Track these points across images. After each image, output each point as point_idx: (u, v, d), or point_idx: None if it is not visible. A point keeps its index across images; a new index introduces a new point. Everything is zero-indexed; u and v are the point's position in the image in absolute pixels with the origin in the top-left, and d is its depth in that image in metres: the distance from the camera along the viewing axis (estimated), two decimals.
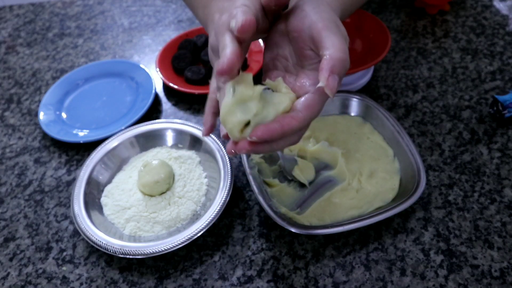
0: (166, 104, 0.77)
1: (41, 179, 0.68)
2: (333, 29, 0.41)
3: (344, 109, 0.67)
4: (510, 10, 0.86)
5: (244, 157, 0.59)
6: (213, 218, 0.55)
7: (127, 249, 0.54)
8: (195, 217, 0.58)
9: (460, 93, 0.71)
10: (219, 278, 0.54)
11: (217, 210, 0.56)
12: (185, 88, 0.76)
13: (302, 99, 0.41)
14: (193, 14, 0.59)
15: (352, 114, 0.67)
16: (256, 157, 0.61)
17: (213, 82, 0.47)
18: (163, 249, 0.53)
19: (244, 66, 0.77)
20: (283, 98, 0.40)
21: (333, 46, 0.39)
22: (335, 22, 0.42)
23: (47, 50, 0.93)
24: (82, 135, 0.72)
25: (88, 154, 0.67)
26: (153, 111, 0.76)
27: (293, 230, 0.52)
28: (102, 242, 0.55)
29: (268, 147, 0.40)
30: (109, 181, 0.64)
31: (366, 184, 0.58)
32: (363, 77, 0.73)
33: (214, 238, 0.58)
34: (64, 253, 0.58)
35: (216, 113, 0.47)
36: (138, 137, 0.67)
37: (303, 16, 0.43)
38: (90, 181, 0.62)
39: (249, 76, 0.39)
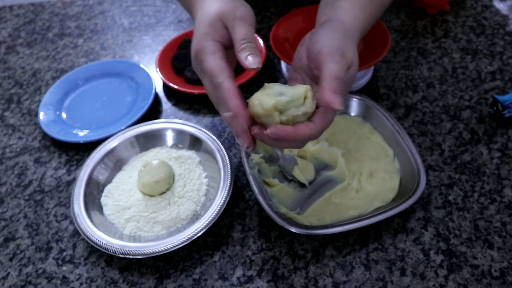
0: (166, 104, 0.77)
1: (41, 179, 0.68)
2: (336, 58, 0.45)
3: (344, 109, 0.67)
4: (510, 10, 0.86)
5: (244, 157, 0.59)
6: (213, 218, 0.55)
7: (127, 249, 0.54)
8: (195, 217, 0.58)
9: (460, 93, 0.71)
10: (219, 278, 0.54)
11: (217, 210, 0.56)
12: (185, 88, 0.76)
13: (318, 112, 0.45)
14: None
15: (352, 114, 0.67)
16: (256, 157, 0.61)
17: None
18: (163, 249, 0.53)
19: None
20: (299, 88, 0.46)
21: (330, 73, 0.44)
22: (340, 51, 0.46)
23: (47, 50, 0.93)
24: (82, 135, 0.72)
25: (88, 154, 0.67)
26: (153, 111, 0.76)
27: (293, 230, 0.52)
28: (102, 242, 0.55)
29: (277, 143, 0.46)
30: (109, 181, 0.64)
31: (366, 184, 0.58)
32: (363, 77, 0.73)
33: (214, 238, 0.58)
34: (64, 253, 0.58)
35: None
36: (138, 137, 0.67)
37: (316, 40, 0.47)
38: (90, 181, 0.62)
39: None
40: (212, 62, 0.46)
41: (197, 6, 0.51)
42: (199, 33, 0.48)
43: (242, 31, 0.46)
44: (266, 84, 0.46)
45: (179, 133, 0.67)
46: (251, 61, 0.44)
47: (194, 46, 0.48)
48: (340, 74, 0.44)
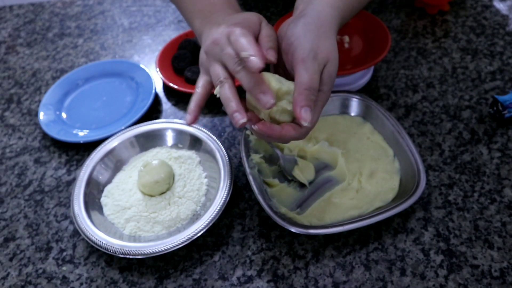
0: (166, 104, 0.77)
1: (41, 179, 0.68)
2: (308, 62, 0.46)
3: (344, 109, 0.67)
4: (510, 10, 0.86)
5: (244, 157, 0.59)
6: (213, 218, 0.55)
7: (127, 249, 0.54)
8: (195, 217, 0.58)
9: (460, 93, 0.71)
10: (219, 278, 0.54)
11: (217, 210, 0.56)
12: (185, 88, 0.76)
13: None
14: (187, 22, 0.61)
15: (352, 114, 0.67)
16: (256, 157, 0.61)
17: (200, 80, 0.54)
18: (163, 249, 0.53)
19: None
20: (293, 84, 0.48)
21: (300, 82, 0.45)
22: (313, 52, 0.46)
23: (47, 50, 0.93)
24: (82, 135, 0.72)
25: (88, 154, 0.67)
26: (153, 111, 0.76)
27: (293, 230, 0.52)
28: (102, 242, 0.55)
29: (266, 137, 0.48)
30: (109, 181, 0.64)
31: (366, 184, 0.58)
32: (363, 77, 0.73)
33: (214, 238, 0.58)
34: (64, 253, 0.58)
35: (202, 106, 0.53)
36: (138, 137, 0.67)
37: (290, 42, 0.48)
38: (90, 181, 0.62)
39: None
40: (247, 34, 0.47)
41: (222, 16, 0.52)
42: (237, 19, 0.50)
43: (271, 32, 0.50)
44: (265, 73, 0.48)
45: (179, 133, 0.67)
46: (269, 53, 0.47)
47: (225, 28, 0.48)
48: (310, 83, 0.45)
